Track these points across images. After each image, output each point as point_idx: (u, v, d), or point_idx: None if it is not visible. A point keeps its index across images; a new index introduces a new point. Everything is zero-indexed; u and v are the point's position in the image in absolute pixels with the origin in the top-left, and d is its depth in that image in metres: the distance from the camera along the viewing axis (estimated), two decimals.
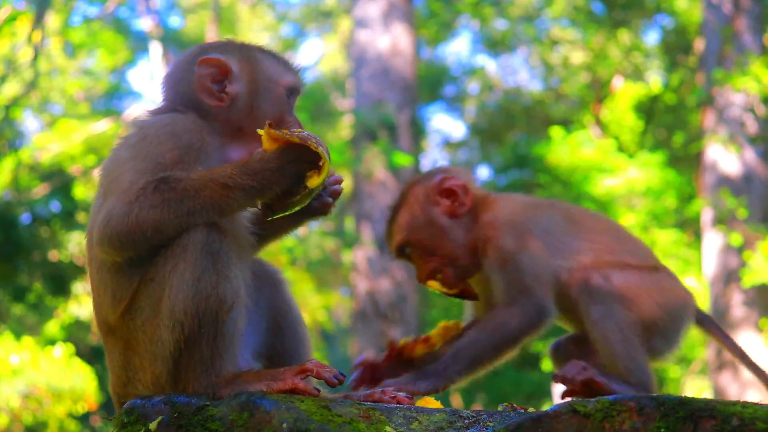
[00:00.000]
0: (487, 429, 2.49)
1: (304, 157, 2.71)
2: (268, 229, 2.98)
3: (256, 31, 25.90)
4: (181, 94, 2.96)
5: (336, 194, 2.95)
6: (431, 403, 2.82)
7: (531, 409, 2.72)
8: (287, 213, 2.81)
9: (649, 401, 2.36)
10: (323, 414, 2.48)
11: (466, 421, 2.56)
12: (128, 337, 2.70)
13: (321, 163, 2.73)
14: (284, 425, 2.43)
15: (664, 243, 16.80)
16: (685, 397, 2.39)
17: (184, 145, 2.75)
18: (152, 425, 2.53)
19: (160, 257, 2.66)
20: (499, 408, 2.84)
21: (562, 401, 2.47)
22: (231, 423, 2.48)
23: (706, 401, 2.36)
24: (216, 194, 2.64)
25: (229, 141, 2.92)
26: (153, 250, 2.67)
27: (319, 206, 2.91)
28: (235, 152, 2.90)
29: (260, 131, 2.76)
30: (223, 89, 2.93)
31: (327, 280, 24.63)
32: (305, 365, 2.70)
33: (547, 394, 17.54)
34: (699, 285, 15.64)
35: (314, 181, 2.74)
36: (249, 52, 3.02)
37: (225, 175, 2.66)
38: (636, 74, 21.26)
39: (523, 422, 2.41)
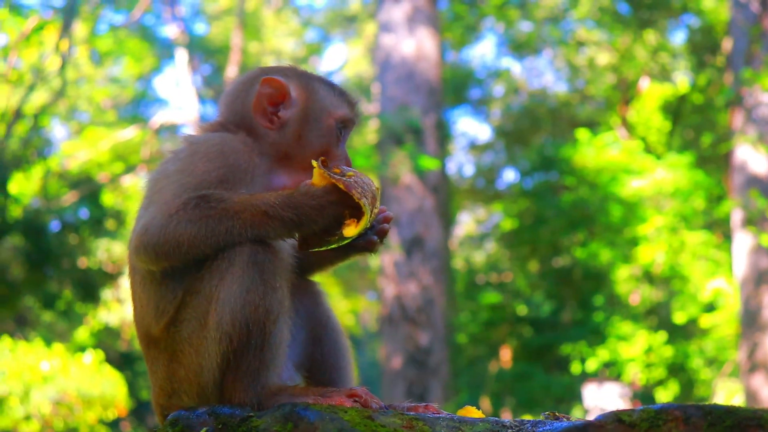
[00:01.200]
0: None
1: (347, 202, 2.70)
2: (312, 260, 2.99)
3: (281, 36, 25.99)
4: (236, 113, 2.99)
5: (382, 233, 2.91)
6: (473, 412, 2.80)
7: (574, 418, 2.70)
8: (321, 249, 2.80)
9: (696, 410, 2.33)
10: (367, 424, 2.47)
11: (510, 430, 2.55)
12: (174, 349, 2.72)
13: (361, 214, 2.71)
14: None
15: (694, 244, 16.70)
16: (732, 405, 2.36)
17: (231, 165, 2.77)
18: None
19: (205, 270, 2.68)
20: (541, 417, 2.83)
21: (607, 411, 2.45)
22: None
23: (753, 410, 2.33)
24: (255, 219, 2.65)
25: (276, 164, 2.93)
26: (189, 263, 2.69)
27: (364, 244, 2.87)
28: (281, 177, 2.92)
29: (314, 163, 2.76)
30: (276, 112, 2.95)
31: (354, 285, 24.69)
32: (356, 391, 2.70)
33: (577, 398, 17.46)
34: (729, 286, 15.53)
35: (350, 231, 2.71)
36: (307, 80, 3.02)
37: (267, 202, 2.67)
38: (663, 75, 21.14)
39: (567, 431, 2.40)
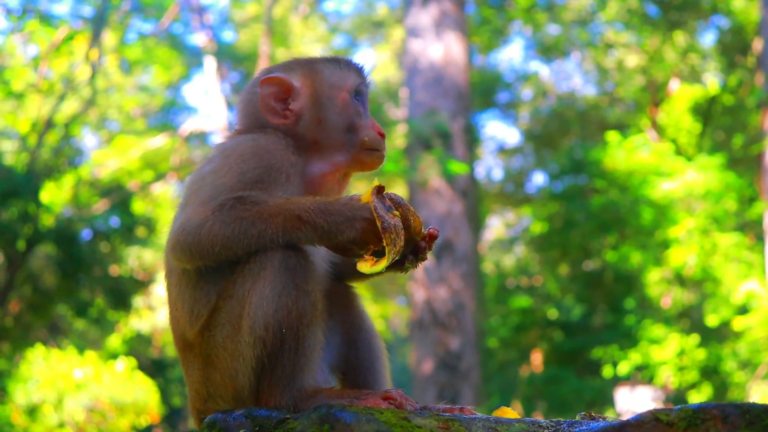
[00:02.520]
0: None
1: (377, 232, 2.65)
2: (348, 267, 2.96)
3: (309, 43, 26.05)
4: (252, 116, 3.00)
5: (422, 251, 2.85)
6: (508, 413, 2.79)
7: (610, 418, 2.69)
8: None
9: (734, 409, 2.31)
10: (403, 425, 2.47)
11: (546, 430, 2.54)
12: (208, 353, 2.73)
13: (383, 257, 2.66)
14: None
15: (726, 246, 16.56)
16: None
17: (266, 165, 2.77)
18: None
19: (238, 275, 2.69)
20: (577, 417, 2.82)
21: (645, 410, 2.43)
22: None
23: None
24: (288, 223, 2.64)
25: (309, 157, 2.92)
26: (222, 264, 2.70)
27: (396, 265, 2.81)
28: (318, 166, 2.92)
29: (370, 188, 2.70)
30: (287, 107, 2.94)
31: (384, 290, 24.68)
32: (390, 393, 2.70)
33: (609, 402, 17.36)
34: (762, 288, 15.39)
35: (363, 267, 2.68)
36: (310, 66, 3.02)
37: (302, 207, 2.66)
38: (693, 76, 21.01)
39: (604, 431, 2.39)
